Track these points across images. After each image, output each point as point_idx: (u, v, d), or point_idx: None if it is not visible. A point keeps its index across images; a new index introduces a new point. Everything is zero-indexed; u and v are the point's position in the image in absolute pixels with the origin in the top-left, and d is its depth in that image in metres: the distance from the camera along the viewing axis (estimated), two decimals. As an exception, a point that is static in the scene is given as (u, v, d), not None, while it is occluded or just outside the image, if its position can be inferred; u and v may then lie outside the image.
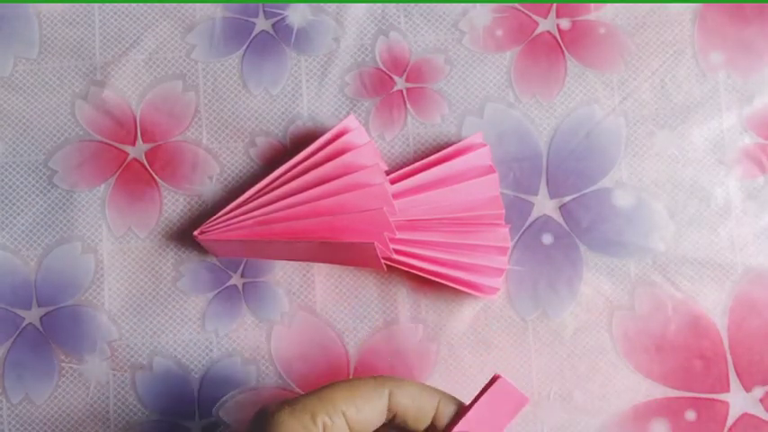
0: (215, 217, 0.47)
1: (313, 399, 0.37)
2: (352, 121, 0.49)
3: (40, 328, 0.49)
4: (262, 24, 0.52)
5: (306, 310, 0.49)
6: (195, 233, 0.47)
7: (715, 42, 0.51)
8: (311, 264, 0.49)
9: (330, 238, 0.45)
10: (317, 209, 0.46)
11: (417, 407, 0.38)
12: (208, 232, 0.47)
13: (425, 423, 0.38)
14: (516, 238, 0.50)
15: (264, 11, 0.52)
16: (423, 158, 0.49)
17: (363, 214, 0.45)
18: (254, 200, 0.47)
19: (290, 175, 0.47)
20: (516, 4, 0.52)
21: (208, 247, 0.48)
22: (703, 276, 0.49)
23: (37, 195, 0.50)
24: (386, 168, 0.49)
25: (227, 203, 0.48)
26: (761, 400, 0.48)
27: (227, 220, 0.47)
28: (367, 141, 0.48)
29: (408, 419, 0.38)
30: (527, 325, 0.49)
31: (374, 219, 0.45)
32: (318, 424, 0.36)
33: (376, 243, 0.44)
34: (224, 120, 0.51)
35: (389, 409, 0.38)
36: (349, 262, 0.48)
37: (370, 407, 0.37)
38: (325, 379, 0.48)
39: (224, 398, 0.48)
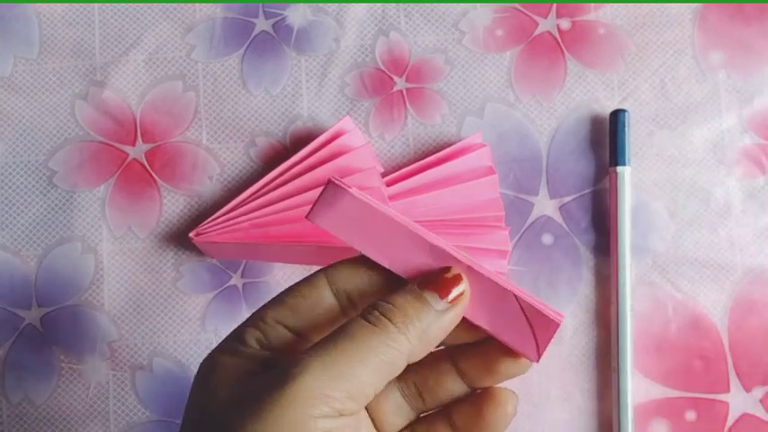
0: (210, 219, 0.47)
1: (242, 323, 0.32)
2: (347, 123, 0.48)
3: (40, 329, 0.49)
4: (262, 24, 0.51)
5: (306, 310, 0.49)
6: (191, 234, 0.47)
7: (715, 42, 0.51)
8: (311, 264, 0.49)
9: (325, 241, 0.45)
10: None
11: (363, 277, 0.32)
12: (203, 234, 0.47)
13: (381, 295, 0.31)
14: (516, 238, 0.50)
15: (264, 11, 0.52)
16: (423, 158, 0.49)
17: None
18: (249, 202, 0.47)
19: (285, 177, 0.47)
20: (516, 5, 0.51)
21: (204, 248, 0.48)
22: (703, 277, 0.49)
23: (37, 195, 0.50)
24: (382, 170, 0.48)
25: (227, 204, 0.47)
26: (761, 401, 0.48)
27: (223, 222, 0.47)
28: (363, 143, 0.48)
29: (362, 297, 0.32)
30: (527, 325, 0.49)
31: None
32: (250, 341, 0.31)
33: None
34: (224, 120, 0.51)
35: (337, 296, 0.32)
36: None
37: (307, 303, 0.31)
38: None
39: (224, 398, 0.48)
